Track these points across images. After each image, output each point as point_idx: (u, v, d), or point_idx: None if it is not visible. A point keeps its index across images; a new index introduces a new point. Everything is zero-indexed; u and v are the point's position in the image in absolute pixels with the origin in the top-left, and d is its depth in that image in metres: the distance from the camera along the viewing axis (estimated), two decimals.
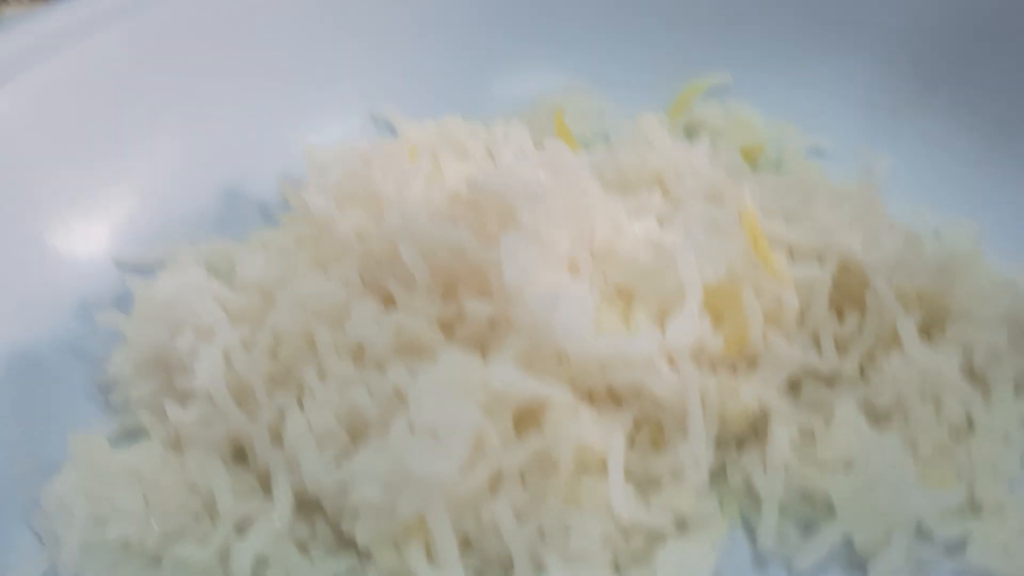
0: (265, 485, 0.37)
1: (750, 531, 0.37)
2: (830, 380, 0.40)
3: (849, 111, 0.55)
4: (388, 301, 0.40)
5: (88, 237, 0.46)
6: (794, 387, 0.40)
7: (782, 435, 0.37)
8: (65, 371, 0.42)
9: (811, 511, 0.37)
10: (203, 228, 0.49)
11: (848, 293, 0.41)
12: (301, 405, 0.37)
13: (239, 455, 0.39)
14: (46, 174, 0.45)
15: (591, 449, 0.35)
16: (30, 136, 0.45)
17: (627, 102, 0.55)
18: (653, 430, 0.37)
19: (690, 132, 0.55)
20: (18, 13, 0.58)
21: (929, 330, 0.41)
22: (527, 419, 0.36)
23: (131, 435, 0.40)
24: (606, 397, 0.37)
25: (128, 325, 0.41)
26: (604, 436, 0.35)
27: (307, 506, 0.36)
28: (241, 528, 0.36)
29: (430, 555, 0.34)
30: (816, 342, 0.40)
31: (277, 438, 0.37)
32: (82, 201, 0.46)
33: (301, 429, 0.36)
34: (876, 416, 0.39)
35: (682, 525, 0.36)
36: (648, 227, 0.42)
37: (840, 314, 0.41)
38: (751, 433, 0.39)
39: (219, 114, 0.51)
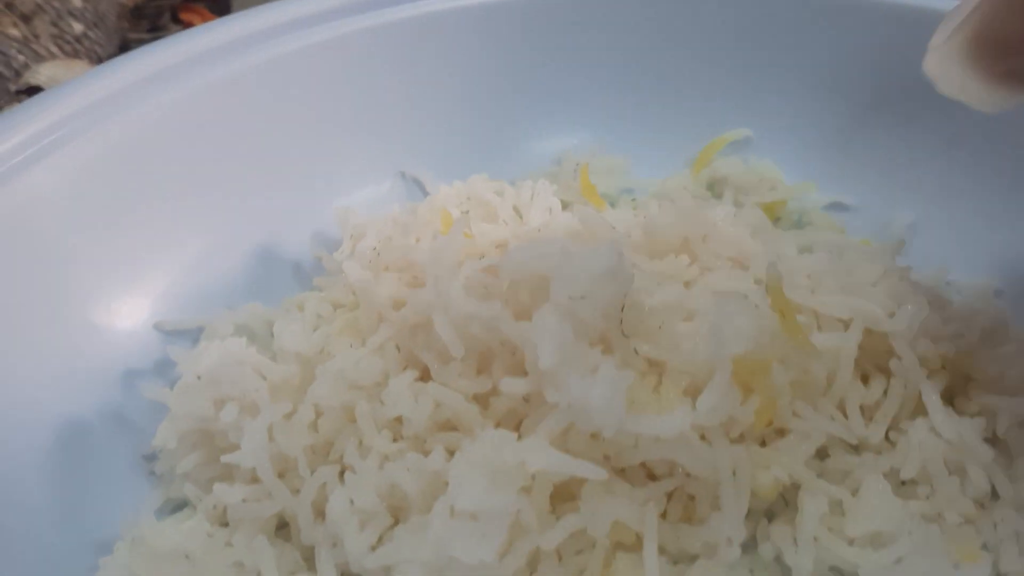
0: (309, 559, 0.38)
1: None
2: (857, 447, 0.41)
3: (870, 166, 0.55)
4: (424, 370, 0.41)
5: (128, 304, 0.47)
6: (821, 453, 0.41)
7: (812, 510, 0.37)
8: (109, 440, 0.43)
9: None
10: (239, 291, 0.50)
11: (873, 357, 0.42)
12: (342, 478, 0.39)
13: (282, 525, 0.40)
14: (86, 244, 0.46)
15: (626, 527, 0.36)
16: (70, 207, 0.46)
17: (651, 158, 0.56)
18: (686, 502, 0.38)
19: (713, 187, 0.56)
20: (56, 71, 0.59)
21: (953, 395, 0.42)
22: (563, 494, 0.37)
23: (176, 505, 0.42)
24: (639, 470, 0.38)
25: (172, 398, 0.42)
26: (638, 513, 0.36)
27: None
28: None
29: None
30: (842, 409, 0.41)
31: (320, 512, 0.38)
32: (121, 269, 0.47)
33: (344, 507, 0.37)
34: (902, 482, 0.40)
35: None
36: (677, 295, 0.42)
37: (865, 379, 0.42)
38: (780, 502, 0.40)
39: (252, 179, 0.52)
